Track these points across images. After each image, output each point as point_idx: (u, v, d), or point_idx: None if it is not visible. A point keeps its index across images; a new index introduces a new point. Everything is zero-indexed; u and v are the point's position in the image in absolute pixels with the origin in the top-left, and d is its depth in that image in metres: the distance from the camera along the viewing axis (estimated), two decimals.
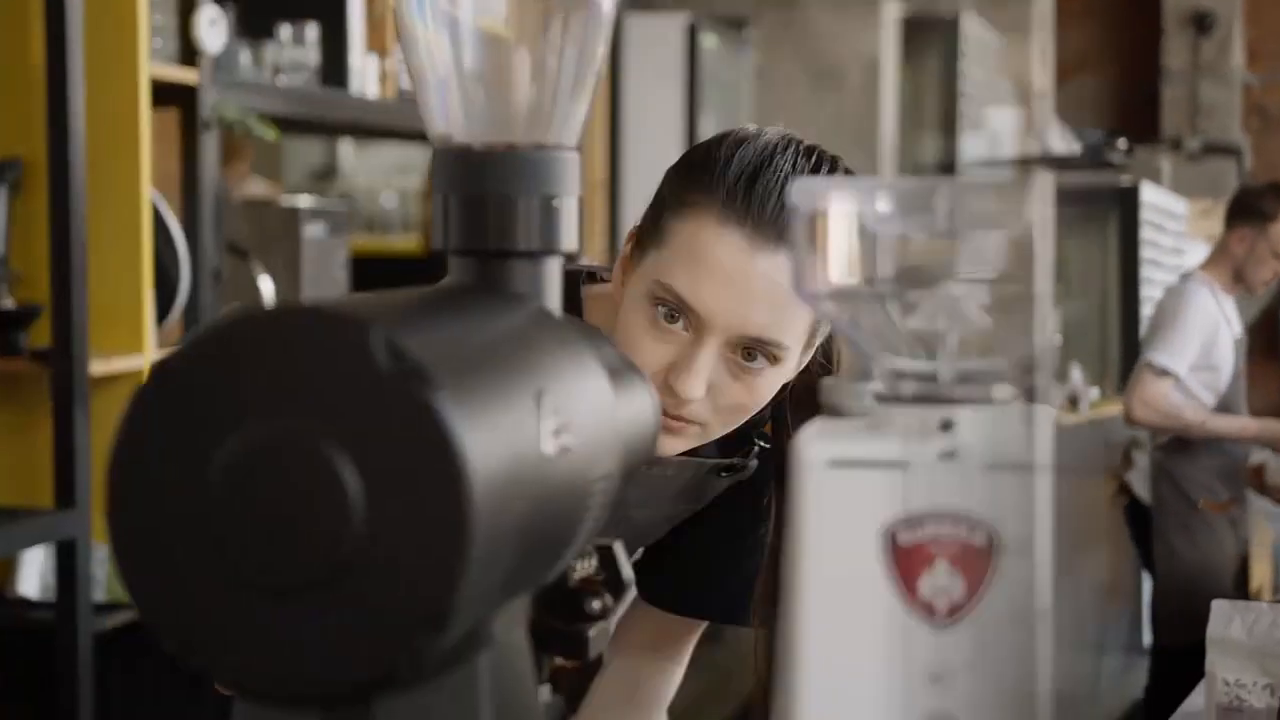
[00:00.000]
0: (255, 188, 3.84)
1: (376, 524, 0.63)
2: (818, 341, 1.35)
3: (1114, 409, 6.70)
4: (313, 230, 3.17)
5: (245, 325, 0.65)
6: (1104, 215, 7.05)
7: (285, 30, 3.16)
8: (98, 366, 2.51)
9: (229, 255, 3.02)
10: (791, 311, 1.26)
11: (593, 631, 0.91)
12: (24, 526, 2.41)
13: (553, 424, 0.72)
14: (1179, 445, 4.45)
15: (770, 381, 1.29)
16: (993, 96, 8.29)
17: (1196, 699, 2.17)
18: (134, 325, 2.60)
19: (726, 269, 1.24)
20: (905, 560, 0.71)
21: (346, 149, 5.42)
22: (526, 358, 0.73)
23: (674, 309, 1.27)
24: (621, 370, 0.91)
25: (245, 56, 3.06)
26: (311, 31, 3.16)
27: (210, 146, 2.78)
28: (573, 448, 0.73)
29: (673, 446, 1.32)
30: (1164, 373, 4.33)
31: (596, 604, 0.92)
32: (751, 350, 1.27)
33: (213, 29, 2.74)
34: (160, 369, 0.66)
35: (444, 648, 0.65)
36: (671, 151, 6.11)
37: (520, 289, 0.83)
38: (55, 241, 2.45)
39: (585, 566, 0.94)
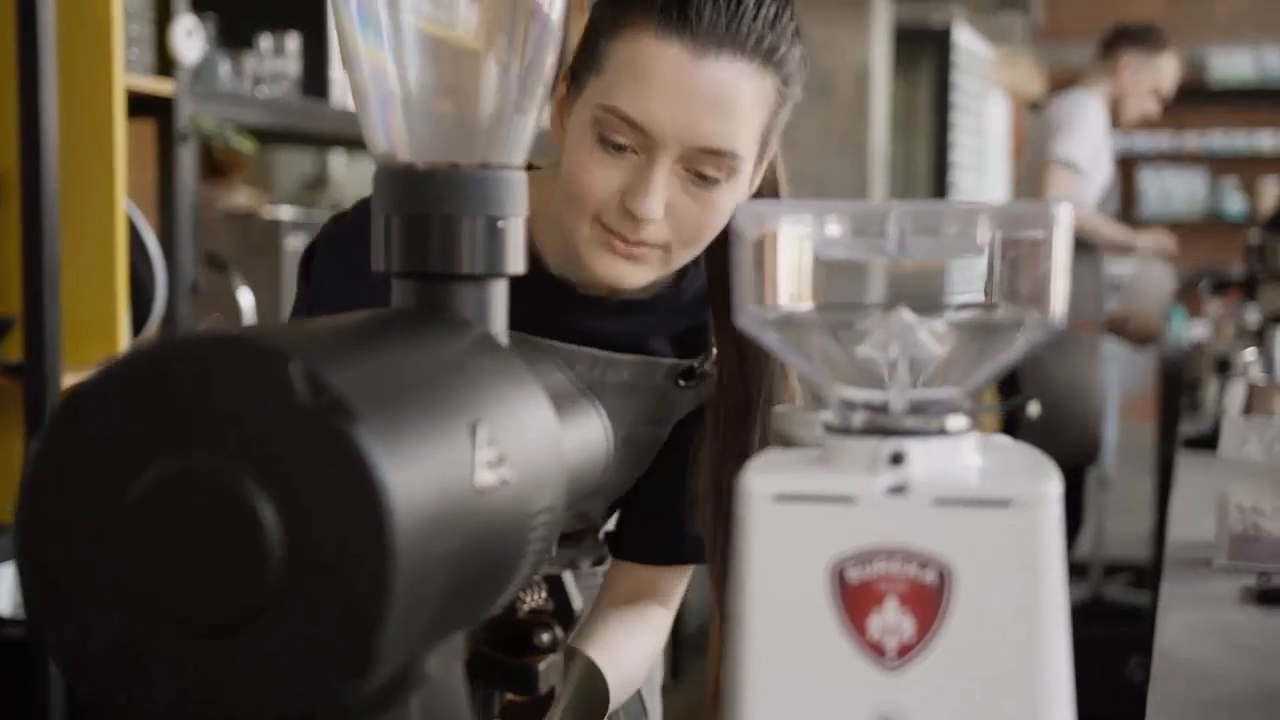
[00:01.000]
0: (242, 198, 3.81)
1: (295, 561, 0.60)
2: (768, 156, 1.33)
3: None
4: (295, 242, 3.15)
5: (163, 353, 0.62)
6: (918, 55, 7.17)
7: (265, 40, 3.13)
8: (71, 380, 2.47)
9: (208, 268, 2.99)
10: (741, 118, 1.23)
11: (542, 665, 0.89)
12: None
13: (489, 456, 0.69)
14: None
15: (727, 199, 1.26)
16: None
17: (1201, 532, 2.00)
18: (109, 338, 2.56)
19: (670, 81, 1.22)
20: (853, 598, 0.68)
21: (338, 159, 5.39)
22: (463, 387, 0.71)
23: (620, 132, 1.24)
24: (569, 396, 0.88)
25: (225, 67, 3.04)
26: (292, 42, 3.14)
27: (187, 158, 2.75)
28: (511, 480, 0.70)
29: (637, 276, 1.29)
30: (1068, 164, 4.37)
31: (546, 636, 0.89)
32: (705, 170, 1.24)
33: (190, 40, 2.71)
34: (74, 396, 0.64)
35: (369, 689, 0.63)
36: None
37: (464, 313, 0.81)
38: (28, 253, 2.42)
39: (534, 598, 0.91)
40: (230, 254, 3.17)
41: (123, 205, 2.56)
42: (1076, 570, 5.68)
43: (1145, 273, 4.81)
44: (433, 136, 0.83)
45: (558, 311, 1.37)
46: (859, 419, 0.71)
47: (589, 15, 1.31)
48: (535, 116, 0.85)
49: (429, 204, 0.81)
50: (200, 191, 3.23)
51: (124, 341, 2.60)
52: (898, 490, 0.68)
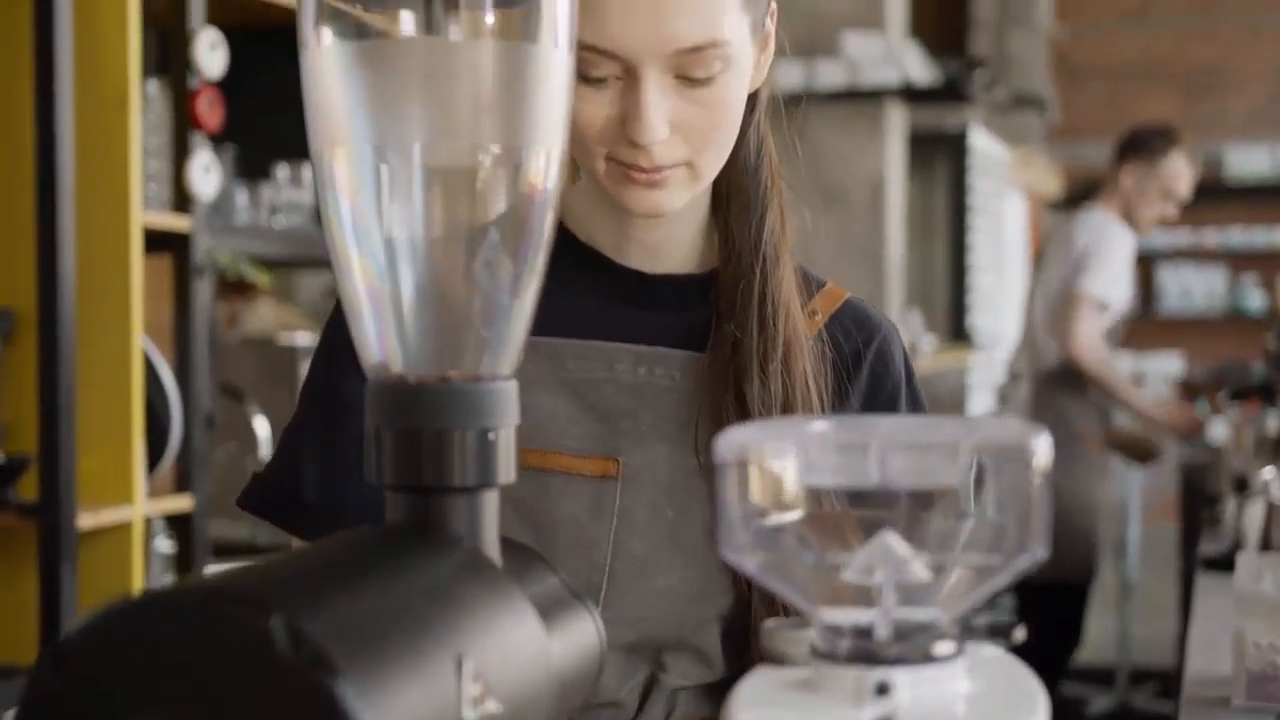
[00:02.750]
0: (264, 311, 3.84)
1: None
2: (769, 16, 1.23)
3: (953, 358, 6.79)
4: None
5: (144, 606, 0.63)
6: (933, 158, 7.20)
7: (282, 170, 3.17)
8: (86, 520, 2.48)
9: (223, 397, 3.01)
10: (712, 2, 1.13)
11: None
12: (10, 684, 2.37)
13: (474, 691, 0.69)
14: (1065, 376, 4.43)
15: (732, 88, 1.17)
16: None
17: (1220, 664, 1.96)
18: (124, 476, 2.58)
19: None
20: None
21: None
22: (449, 618, 0.71)
23: (593, 65, 1.15)
24: (560, 601, 0.88)
25: (242, 197, 3.07)
26: (308, 172, 3.18)
27: (203, 292, 2.77)
28: (497, 712, 0.70)
29: (671, 200, 1.19)
30: (1099, 304, 4.35)
31: None
32: (694, 72, 1.14)
33: (207, 175, 2.75)
34: (58, 647, 0.64)
35: None
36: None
37: (455, 528, 0.81)
38: (44, 393, 2.44)
39: None
40: (247, 380, 3.19)
41: (139, 343, 2.58)
42: (1102, 678, 5.63)
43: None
44: (424, 348, 0.83)
45: (590, 291, 1.28)
46: (844, 646, 0.71)
47: None
48: (525, 326, 0.86)
49: (420, 418, 0.81)
50: (222, 308, 3.26)
51: (139, 479, 2.61)
52: None
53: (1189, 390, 10.30)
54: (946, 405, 7.04)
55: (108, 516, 2.55)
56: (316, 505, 1.25)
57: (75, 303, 2.48)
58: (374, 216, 0.82)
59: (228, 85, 2.85)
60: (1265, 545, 2.87)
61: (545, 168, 0.84)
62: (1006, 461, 0.70)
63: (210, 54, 2.74)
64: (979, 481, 0.71)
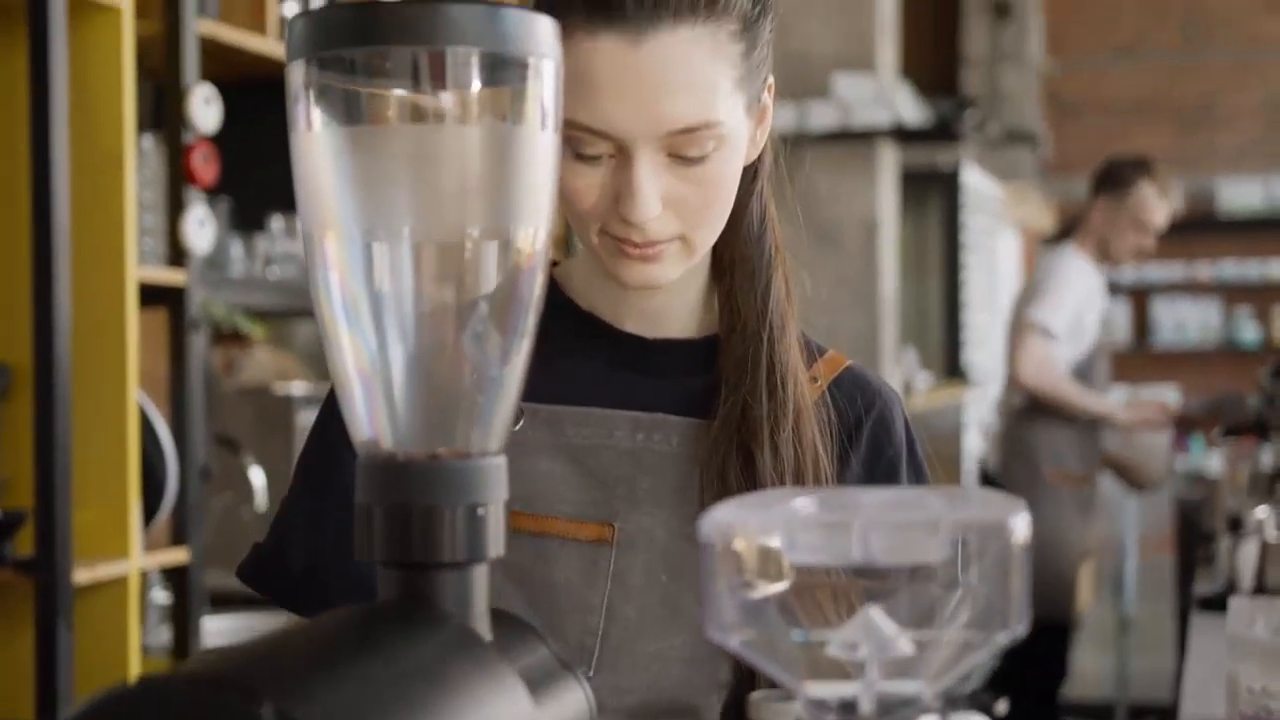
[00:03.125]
0: (261, 357, 3.85)
1: None
2: (764, 93, 1.24)
3: (948, 395, 6.81)
4: (307, 418, 3.18)
5: (134, 696, 0.63)
6: (925, 196, 7.23)
7: (277, 222, 3.19)
8: (83, 574, 2.49)
9: (219, 448, 3.01)
10: (703, 84, 1.14)
11: None
12: None
13: None
14: (1033, 411, 4.43)
15: (726, 166, 1.18)
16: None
17: (1215, 706, 1.98)
18: (120, 530, 2.58)
19: (613, 75, 1.13)
20: None
21: None
22: (437, 699, 0.72)
23: (587, 144, 1.16)
24: (550, 673, 0.89)
25: (237, 249, 3.09)
26: None
27: (198, 345, 2.79)
28: None
29: (664, 273, 1.20)
30: (1044, 330, 4.36)
31: None
32: (687, 151, 1.15)
33: (201, 230, 2.76)
34: None
35: None
36: None
37: (445, 603, 0.82)
38: (40, 448, 2.45)
39: None
40: (243, 429, 3.20)
41: (135, 397, 2.59)
42: (1101, 714, 5.63)
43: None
44: (414, 425, 0.85)
45: (589, 357, 1.29)
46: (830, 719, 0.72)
47: None
48: (514, 401, 0.87)
49: (410, 495, 0.83)
50: (218, 355, 3.27)
51: (135, 533, 2.62)
52: None
53: (1185, 423, 10.33)
54: (942, 442, 7.05)
55: (104, 571, 2.55)
56: (305, 581, 1.26)
57: (71, 357, 2.50)
58: (364, 296, 0.84)
59: (222, 137, 2.87)
60: (1260, 585, 2.87)
61: (533, 246, 0.85)
62: (987, 539, 0.71)
63: (205, 109, 2.76)
64: (961, 558, 0.73)
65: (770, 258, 1.29)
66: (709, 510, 0.74)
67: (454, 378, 0.85)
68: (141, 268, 2.66)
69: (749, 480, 1.20)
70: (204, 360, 2.82)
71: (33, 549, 2.45)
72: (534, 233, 0.85)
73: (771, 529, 0.73)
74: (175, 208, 2.77)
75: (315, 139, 0.82)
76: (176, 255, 2.77)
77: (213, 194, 2.93)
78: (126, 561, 2.59)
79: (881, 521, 0.72)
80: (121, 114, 2.57)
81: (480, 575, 0.84)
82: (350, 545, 1.06)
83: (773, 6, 1.22)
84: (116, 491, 2.58)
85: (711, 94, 1.15)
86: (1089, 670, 6.64)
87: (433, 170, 0.82)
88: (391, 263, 0.83)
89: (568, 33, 1.14)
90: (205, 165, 2.77)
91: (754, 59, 1.20)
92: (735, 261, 1.28)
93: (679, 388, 1.28)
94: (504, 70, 0.82)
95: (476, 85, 0.81)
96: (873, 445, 1.28)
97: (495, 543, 0.84)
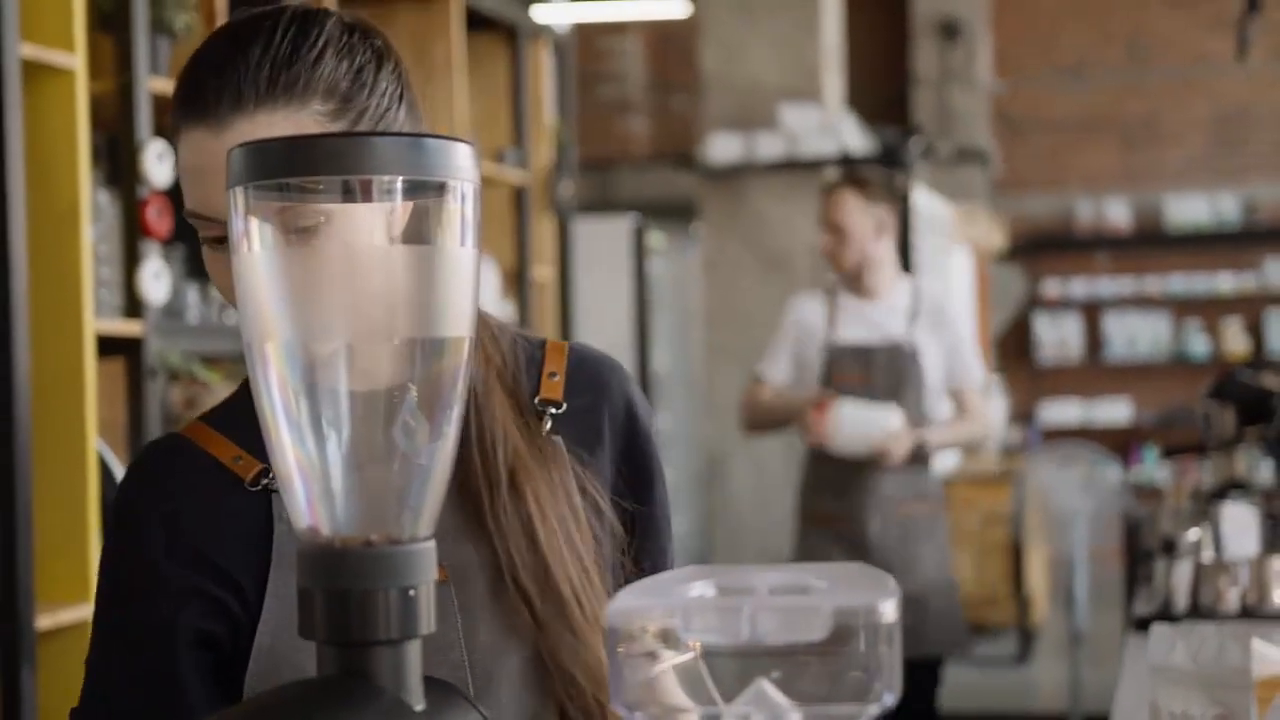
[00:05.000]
0: (222, 393, 3.90)
1: None
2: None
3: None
4: None
5: None
6: None
7: None
8: (45, 620, 2.55)
9: None
10: None
11: None
12: None
13: None
14: (810, 454, 4.21)
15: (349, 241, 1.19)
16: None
17: None
18: (81, 575, 2.65)
19: (207, 163, 1.21)
20: None
21: None
22: None
23: (209, 230, 1.23)
24: None
25: (193, 295, 3.15)
26: None
27: (155, 394, 2.85)
28: None
29: None
30: (757, 379, 4.24)
31: None
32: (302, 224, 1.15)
33: (157, 281, 2.83)
34: None
35: None
36: (624, 349, 6.16)
37: (381, 679, 0.90)
38: (1, 498, 2.51)
39: None
40: None
41: (94, 446, 2.66)
42: None
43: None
44: (349, 515, 0.93)
45: None
46: None
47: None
48: (443, 488, 0.95)
49: (347, 579, 0.91)
50: (178, 392, 3.32)
51: (95, 579, 2.68)
52: None
53: (1138, 435, 10.49)
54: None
55: (66, 616, 2.62)
56: None
57: (31, 408, 2.56)
58: (301, 397, 0.92)
59: (176, 187, 2.94)
60: (1194, 606, 2.96)
61: (457, 346, 0.94)
62: (860, 621, 0.80)
63: (158, 165, 2.83)
64: (840, 638, 0.81)
65: None
66: (612, 597, 0.82)
67: (385, 469, 0.93)
68: (99, 320, 2.73)
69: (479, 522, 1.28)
70: (162, 404, 2.89)
71: None
72: (458, 335, 0.93)
73: (670, 614, 0.82)
74: (131, 260, 2.84)
75: (255, 258, 0.90)
76: (133, 306, 2.84)
77: (167, 242, 2.99)
78: (88, 606, 2.65)
79: (768, 605, 0.81)
80: (77, 171, 2.64)
81: (413, 650, 0.92)
82: (169, 700, 1.12)
83: (393, 82, 1.26)
84: (77, 538, 2.64)
85: None
86: (1043, 682, 6.75)
87: (362, 284, 0.90)
88: (326, 367, 0.91)
89: (179, 130, 1.24)
90: (159, 218, 2.84)
91: (366, 125, 1.24)
92: None
93: None
94: (425, 193, 0.90)
95: (400, 207, 0.90)
96: (623, 427, 1.37)
97: (427, 620, 0.92)
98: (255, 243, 0.90)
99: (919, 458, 4.15)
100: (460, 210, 0.91)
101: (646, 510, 1.38)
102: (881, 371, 4.13)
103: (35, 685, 2.50)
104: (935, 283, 4.31)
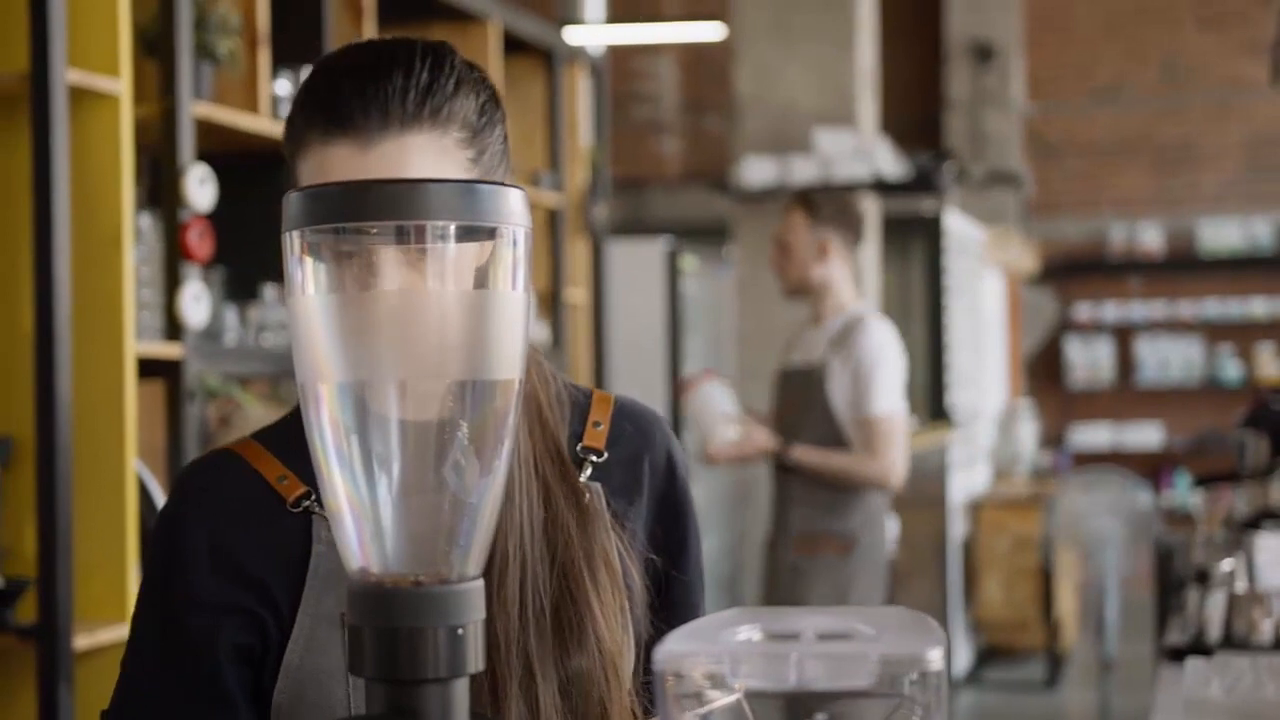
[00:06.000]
0: (254, 412, 3.92)
1: None
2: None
3: (933, 438, 6.89)
4: None
5: None
6: (907, 242, 7.32)
7: (270, 291, 3.28)
8: (83, 640, 2.57)
9: None
10: (437, 174, 1.23)
11: None
12: None
13: None
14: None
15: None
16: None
17: None
18: (120, 596, 2.67)
19: (343, 178, 1.22)
20: None
21: None
22: None
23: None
24: None
25: (232, 317, 3.18)
26: None
27: (194, 416, 2.88)
28: None
29: None
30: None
31: None
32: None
33: (197, 304, 2.86)
34: None
35: None
36: (656, 372, 6.14)
37: (429, 717, 0.91)
38: (42, 518, 2.54)
39: None
40: None
41: (133, 467, 2.68)
42: None
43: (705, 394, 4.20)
44: (399, 554, 0.94)
45: None
46: None
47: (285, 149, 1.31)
48: (491, 529, 0.96)
49: (396, 618, 0.92)
50: (213, 410, 3.35)
51: (134, 598, 2.70)
52: None
53: (1169, 460, 10.44)
54: (928, 483, 7.14)
55: (104, 636, 2.64)
56: None
57: (72, 430, 2.59)
58: (354, 439, 0.93)
59: (217, 209, 2.97)
60: (1227, 637, 2.95)
61: (507, 388, 0.95)
62: (907, 669, 0.81)
63: (199, 189, 2.86)
64: (886, 684, 0.82)
65: None
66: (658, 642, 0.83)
67: (435, 508, 0.94)
68: (139, 342, 2.76)
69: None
70: (199, 425, 2.91)
71: (35, 616, 2.53)
72: (508, 377, 0.95)
73: (718, 658, 0.83)
74: (172, 283, 2.87)
75: (310, 302, 0.92)
76: (173, 329, 2.87)
77: (207, 266, 3.02)
78: (125, 626, 2.67)
79: (815, 652, 0.82)
80: (120, 195, 2.66)
81: (461, 688, 0.93)
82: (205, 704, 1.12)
83: (501, 120, 1.31)
84: (116, 559, 2.67)
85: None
86: (1073, 709, 6.73)
87: (416, 329, 0.92)
88: (378, 408, 0.93)
89: (310, 142, 1.25)
90: (200, 242, 2.86)
91: (485, 164, 1.28)
92: None
93: None
94: (478, 238, 0.92)
95: (453, 253, 0.91)
96: (663, 480, 1.39)
97: (475, 658, 0.93)
98: (310, 286, 0.92)
99: (844, 488, 3.99)
100: (512, 254, 0.93)
101: (681, 565, 1.40)
102: (796, 394, 4.11)
103: (73, 704, 2.53)
104: (874, 316, 4.05)
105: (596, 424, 1.37)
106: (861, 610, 0.88)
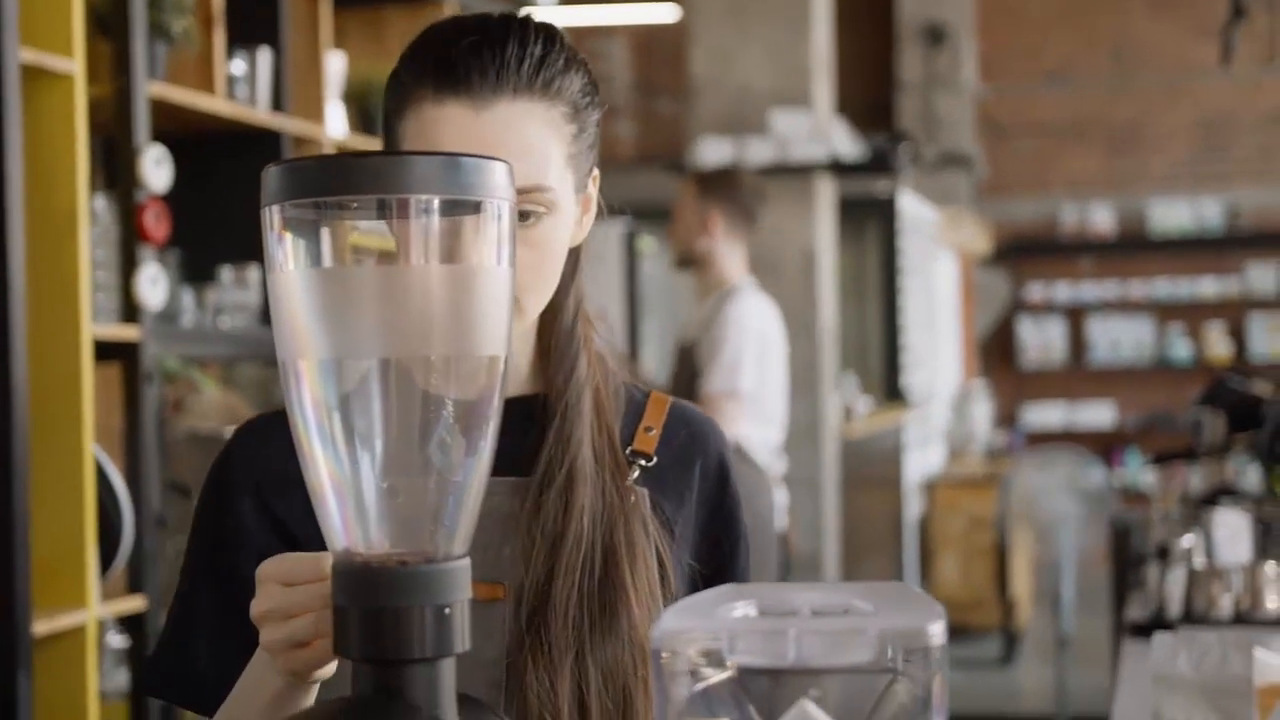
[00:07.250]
0: (210, 395, 3.88)
1: None
2: (592, 180, 1.33)
3: (888, 419, 6.93)
4: None
5: None
6: (861, 224, 7.37)
7: (227, 273, 3.25)
8: (41, 626, 2.54)
9: (170, 494, 3.07)
10: (537, 152, 1.24)
11: None
12: None
13: None
14: None
15: (555, 233, 1.26)
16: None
17: None
18: (78, 581, 2.64)
19: (456, 137, 1.23)
20: None
21: None
22: None
23: None
24: None
25: (188, 299, 3.14)
26: (253, 273, 3.26)
27: (151, 398, 2.84)
28: None
29: None
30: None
31: None
32: (520, 209, 1.21)
33: (154, 287, 2.82)
34: None
35: None
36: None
37: (415, 697, 0.90)
38: None
39: None
40: (192, 474, 3.24)
41: (90, 450, 2.65)
42: None
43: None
44: (384, 533, 0.93)
45: None
46: None
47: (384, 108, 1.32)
48: (477, 506, 0.95)
49: (382, 598, 0.90)
50: (169, 393, 3.31)
51: (93, 583, 2.67)
52: None
53: (1121, 439, 10.52)
54: (884, 464, 7.17)
55: (62, 621, 2.61)
56: (213, 683, 1.26)
57: (28, 413, 2.55)
58: (335, 417, 0.92)
59: (172, 191, 2.93)
60: (1188, 613, 2.96)
61: (491, 364, 0.93)
62: (907, 644, 0.80)
63: (155, 170, 2.82)
64: (886, 659, 0.81)
65: (578, 349, 1.35)
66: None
67: (420, 487, 0.93)
68: (96, 325, 2.72)
69: (529, 534, 1.28)
70: (157, 408, 2.88)
71: None
72: (493, 353, 0.93)
73: (715, 635, 0.82)
74: (128, 265, 2.83)
75: (290, 277, 0.90)
76: (130, 311, 2.83)
77: (163, 247, 2.99)
78: (84, 611, 2.64)
79: (813, 628, 0.81)
80: (75, 176, 2.63)
81: (448, 668, 0.92)
82: (254, 637, 1.12)
83: (600, 105, 1.33)
84: (74, 543, 2.63)
85: (544, 161, 1.25)
86: (1029, 685, 6.77)
87: (398, 304, 0.90)
88: (360, 386, 0.91)
89: (419, 100, 1.25)
90: (157, 223, 2.83)
91: (582, 142, 1.30)
92: (551, 347, 1.35)
93: (509, 445, 1.34)
94: (461, 213, 0.90)
95: (437, 227, 0.89)
96: (714, 488, 1.39)
97: (461, 638, 0.92)
98: (290, 261, 0.90)
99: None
100: (496, 229, 0.92)
101: (732, 571, 1.39)
102: (681, 369, 4.14)
103: (31, 691, 2.49)
104: (746, 292, 4.04)
105: (649, 429, 1.37)
106: (857, 585, 0.88)
